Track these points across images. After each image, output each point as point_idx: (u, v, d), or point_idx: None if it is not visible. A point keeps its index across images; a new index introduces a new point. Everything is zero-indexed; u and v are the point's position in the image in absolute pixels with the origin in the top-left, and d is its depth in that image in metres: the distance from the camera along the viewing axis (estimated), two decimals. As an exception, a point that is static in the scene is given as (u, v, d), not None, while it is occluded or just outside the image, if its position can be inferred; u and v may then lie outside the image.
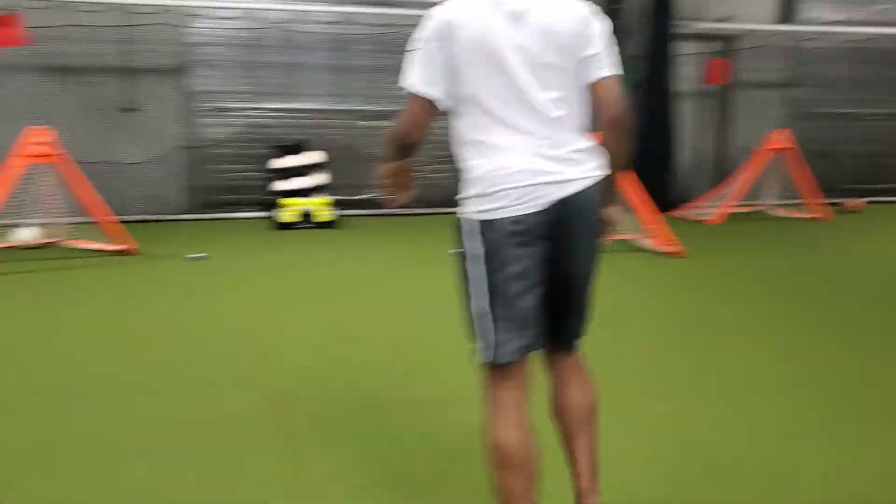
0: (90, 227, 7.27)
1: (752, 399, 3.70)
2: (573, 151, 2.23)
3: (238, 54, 9.75)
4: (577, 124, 2.28)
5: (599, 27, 2.28)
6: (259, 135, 9.88)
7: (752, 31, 11.34)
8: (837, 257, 7.68)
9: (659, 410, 3.53)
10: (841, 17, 11.85)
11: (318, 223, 9.02)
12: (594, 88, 2.26)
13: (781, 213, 10.26)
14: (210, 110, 9.75)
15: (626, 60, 10.23)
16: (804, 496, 2.77)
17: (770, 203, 10.40)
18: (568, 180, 2.19)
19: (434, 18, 2.21)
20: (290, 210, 9.02)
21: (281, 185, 9.43)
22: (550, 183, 2.16)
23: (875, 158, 12.37)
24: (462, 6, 2.20)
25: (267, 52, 9.79)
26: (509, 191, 2.15)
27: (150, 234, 8.23)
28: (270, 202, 9.43)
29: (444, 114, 2.29)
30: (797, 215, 10.14)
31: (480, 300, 2.19)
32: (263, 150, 9.76)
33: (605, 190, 2.28)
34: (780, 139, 9.91)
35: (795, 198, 10.29)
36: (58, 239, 7.45)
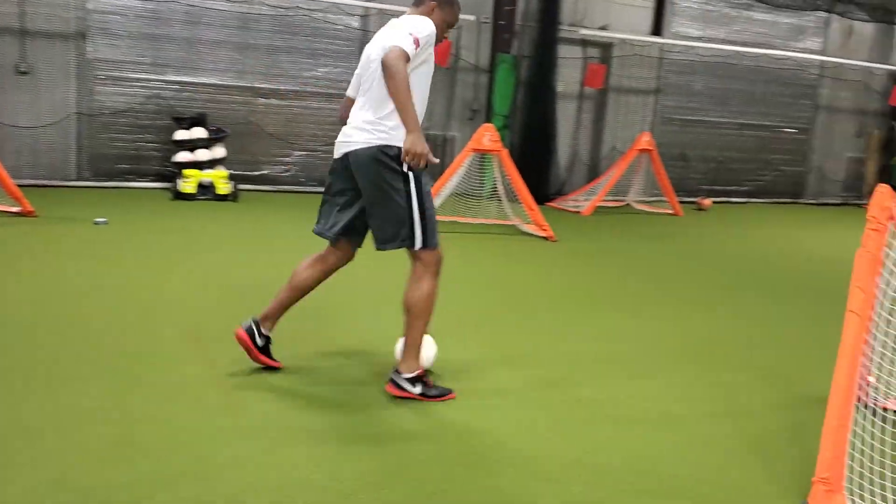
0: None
1: (605, 345, 4.53)
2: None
3: (139, 25, 9.84)
4: None
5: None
6: (159, 106, 10.03)
7: (627, 41, 12.43)
8: (688, 244, 8.91)
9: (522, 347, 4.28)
10: (703, 33, 13.17)
11: (217, 195, 9.31)
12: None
13: (643, 207, 11.40)
14: (108, 79, 9.80)
15: (514, 60, 11.11)
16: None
17: (633, 198, 11.52)
18: None
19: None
20: (189, 181, 9.25)
21: (181, 157, 9.58)
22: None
23: (725, 163, 13.86)
24: None
25: (168, 25, 9.94)
26: None
27: (47, 198, 8.31)
28: (170, 173, 9.63)
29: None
30: (657, 210, 11.31)
31: None
32: (163, 122, 9.91)
33: None
34: (646, 141, 11.01)
35: (656, 194, 11.49)
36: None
